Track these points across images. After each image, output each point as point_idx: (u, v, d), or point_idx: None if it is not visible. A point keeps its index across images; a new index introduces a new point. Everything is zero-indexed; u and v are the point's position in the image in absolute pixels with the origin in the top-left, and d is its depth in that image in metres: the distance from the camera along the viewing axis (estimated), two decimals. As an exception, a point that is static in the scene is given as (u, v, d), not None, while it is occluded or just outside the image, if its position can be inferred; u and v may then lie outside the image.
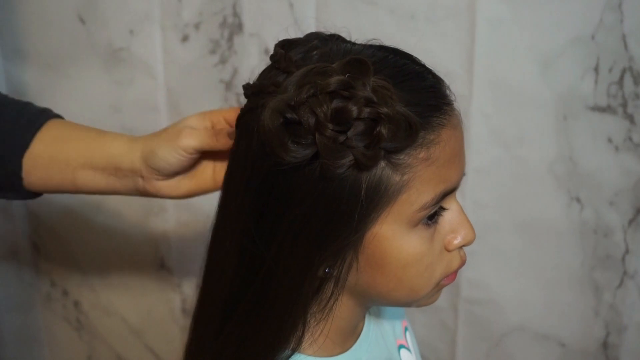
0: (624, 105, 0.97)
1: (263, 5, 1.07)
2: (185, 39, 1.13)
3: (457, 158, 0.59)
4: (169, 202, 1.23)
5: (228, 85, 1.13)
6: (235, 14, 1.10)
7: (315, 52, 0.59)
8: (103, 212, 1.28)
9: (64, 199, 1.29)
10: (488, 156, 1.04)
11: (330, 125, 0.53)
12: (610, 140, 0.99)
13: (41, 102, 1.23)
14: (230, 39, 1.11)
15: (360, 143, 0.53)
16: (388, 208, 0.56)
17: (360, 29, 1.02)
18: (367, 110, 0.53)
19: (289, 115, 0.54)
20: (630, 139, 0.98)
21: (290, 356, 0.61)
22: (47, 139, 0.78)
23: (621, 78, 0.96)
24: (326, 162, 0.53)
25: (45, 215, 1.31)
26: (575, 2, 0.94)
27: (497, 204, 1.06)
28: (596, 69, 0.97)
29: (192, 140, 0.72)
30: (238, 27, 1.10)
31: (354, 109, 0.53)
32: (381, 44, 0.61)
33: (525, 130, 1.02)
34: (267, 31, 1.08)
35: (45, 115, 0.81)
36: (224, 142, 0.72)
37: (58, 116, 0.82)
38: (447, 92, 0.60)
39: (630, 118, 0.97)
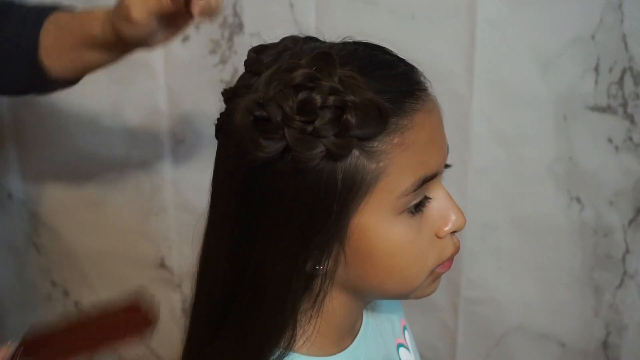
0: (624, 105, 0.97)
1: (263, 5, 1.07)
2: (185, 39, 1.13)
3: (435, 142, 0.59)
4: (169, 202, 1.23)
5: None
6: (236, 14, 1.10)
7: (286, 53, 0.60)
8: (103, 212, 1.28)
9: (64, 198, 1.29)
10: (488, 156, 1.04)
11: (297, 117, 0.54)
12: (610, 140, 0.99)
13: (41, 102, 1.23)
14: (230, 39, 1.11)
15: (330, 132, 0.54)
16: (367, 197, 0.56)
17: (360, 29, 1.01)
18: (332, 98, 0.53)
19: (257, 113, 0.55)
20: (630, 139, 0.98)
21: (284, 355, 0.61)
22: (51, 29, 0.90)
23: (621, 78, 0.96)
24: (298, 154, 0.54)
25: (45, 215, 1.31)
26: (575, 2, 0.94)
27: (497, 204, 1.06)
28: (596, 69, 0.97)
29: (139, 12, 0.80)
30: (238, 27, 1.10)
31: (318, 98, 0.53)
32: (354, 39, 0.62)
33: (525, 130, 1.02)
34: (267, 31, 1.08)
35: (47, 10, 0.92)
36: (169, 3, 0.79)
37: (61, 8, 0.93)
38: (421, 79, 0.60)
39: (631, 118, 0.97)
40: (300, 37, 0.62)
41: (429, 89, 0.60)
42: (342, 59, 0.56)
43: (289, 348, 0.61)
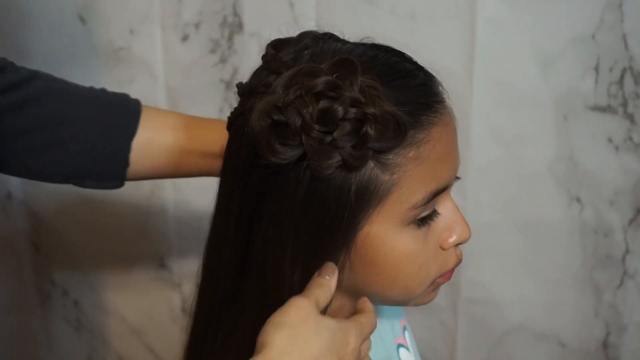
0: (624, 105, 0.97)
1: (263, 5, 1.07)
2: (185, 38, 1.13)
3: (449, 156, 0.59)
4: (169, 202, 1.23)
5: (228, 85, 1.13)
6: (236, 14, 1.10)
7: (306, 52, 0.59)
8: (103, 212, 1.28)
9: (64, 198, 1.29)
10: (488, 156, 1.04)
11: (316, 126, 0.53)
12: (610, 140, 0.99)
13: (41, 101, 1.23)
14: (230, 39, 1.11)
15: (347, 143, 0.53)
16: (378, 208, 0.56)
17: (361, 28, 1.01)
18: (353, 110, 0.53)
19: (276, 117, 0.54)
20: (630, 138, 0.98)
21: None
22: (150, 126, 0.78)
23: (621, 78, 0.96)
24: (314, 163, 0.53)
25: (45, 215, 1.31)
26: (575, 2, 0.94)
27: (497, 204, 1.06)
28: (596, 69, 0.97)
29: None
30: (238, 27, 1.10)
31: (340, 110, 0.53)
32: (374, 41, 0.61)
33: (525, 130, 1.02)
34: (267, 31, 1.08)
35: (137, 102, 0.79)
36: None
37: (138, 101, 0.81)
38: (439, 89, 0.60)
39: (631, 118, 0.97)
40: (319, 34, 0.61)
41: (446, 101, 0.59)
42: (362, 65, 0.55)
43: None
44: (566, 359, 1.10)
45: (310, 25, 1.04)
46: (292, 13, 1.06)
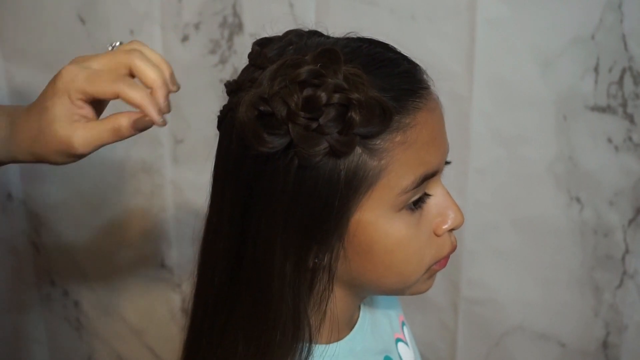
0: (624, 105, 0.97)
1: (263, 5, 1.07)
2: (185, 39, 1.13)
3: (437, 141, 0.60)
4: (169, 202, 1.23)
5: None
6: (235, 14, 1.10)
7: (290, 47, 0.60)
8: (103, 212, 1.28)
9: (64, 198, 1.29)
10: (488, 156, 1.04)
11: (301, 114, 0.54)
12: (610, 140, 0.99)
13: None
14: (230, 39, 1.11)
15: (334, 129, 0.54)
16: (368, 193, 0.57)
17: (360, 29, 1.01)
18: (337, 96, 0.54)
19: (262, 108, 0.55)
20: (630, 139, 0.98)
21: (310, 349, 0.61)
22: None
23: (621, 78, 0.96)
24: (301, 150, 0.54)
25: (45, 215, 1.31)
26: (575, 2, 0.94)
27: (497, 204, 1.06)
28: (596, 69, 0.97)
29: (87, 147, 0.63)
30: (238, 27, 1.10)
31: (323, 96, 0.54)
32: (358, 36, 0.62)
33: (525, 130, 1.02)
34: (267, 31, 1.08)
35: None
36: (129, 128, 0.63)
37: None
38: (424, 77, 0.61)
39: (630, 118, 0.97)
40: (304, 31, 0.62)
41: (431, 87, 0.60)
42: (346, 55, 0.56)
43: (306, 341, 0.60)
44: (566, 359, 1.10)
45: (310, 26, 1.04)
46: (292, 13, 1.06)
